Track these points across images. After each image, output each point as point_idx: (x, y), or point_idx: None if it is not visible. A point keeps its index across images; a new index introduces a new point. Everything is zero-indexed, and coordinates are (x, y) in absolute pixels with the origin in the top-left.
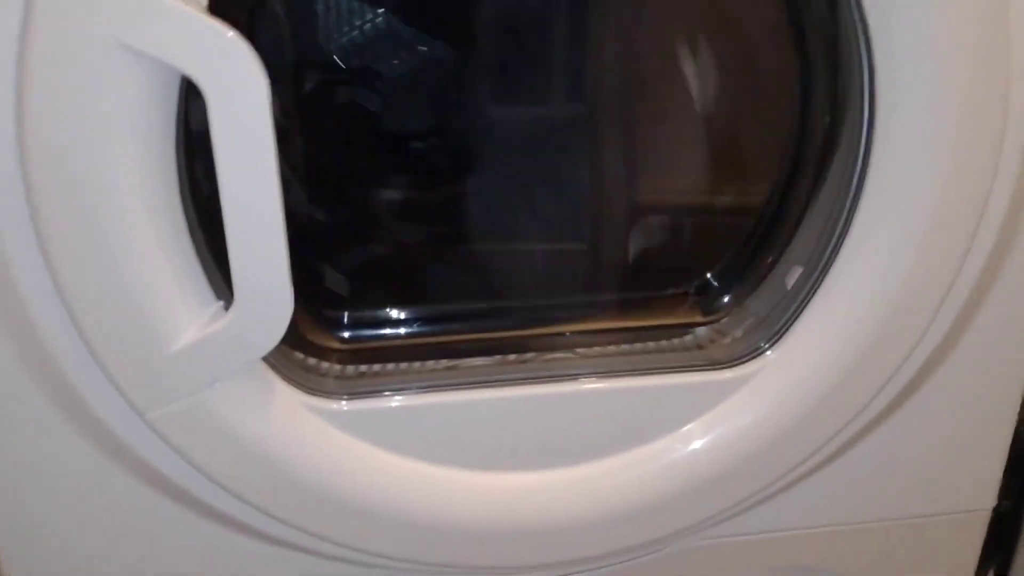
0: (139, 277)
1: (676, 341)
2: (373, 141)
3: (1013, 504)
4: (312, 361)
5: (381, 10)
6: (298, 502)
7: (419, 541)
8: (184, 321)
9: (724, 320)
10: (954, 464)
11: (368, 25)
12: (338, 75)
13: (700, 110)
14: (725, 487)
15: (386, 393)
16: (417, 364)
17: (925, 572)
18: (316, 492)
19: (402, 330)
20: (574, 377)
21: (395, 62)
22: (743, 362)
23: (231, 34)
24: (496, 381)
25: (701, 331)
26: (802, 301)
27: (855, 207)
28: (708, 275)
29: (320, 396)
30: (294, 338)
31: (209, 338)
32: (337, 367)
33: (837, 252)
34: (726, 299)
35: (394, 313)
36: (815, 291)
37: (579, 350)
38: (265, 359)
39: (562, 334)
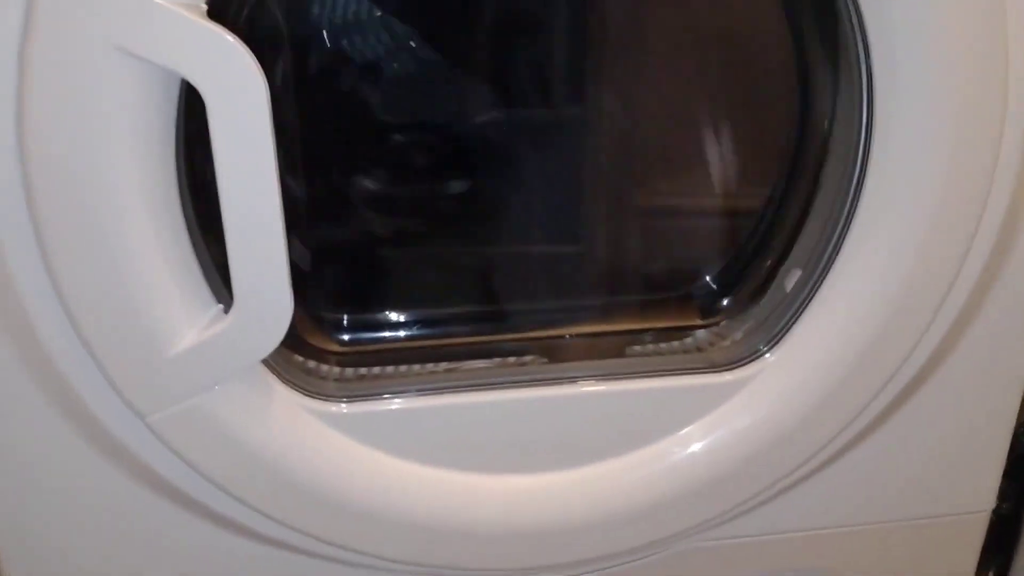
0: (139, 280)
1: (675, 344)
2: (372, 143)
3: (1013, 506)
4: (312, 364)
5: (379, 13)
6: (298, 504)
7: (418, 543)
8: (184, 324)
9: (723, 323)
10: (953, 466)
11: (368, 27)
12: (338, 75)
13: (699, 113)
14: (725, 489)
15: (385, 396)
16: (416, 367)
17: (925, 574)
18: (316, 494)
19: (401, 333)
20: (573, 380)
21: (394, 65)
22: (742, 365)
23: (230, 39)
24: (495, 384)
25: (700, 334)
26: (801, 304)
27: (854, 209)
28: (707, 278)
29: (320, 399)
30: (294, 341)
31: (209, 341)
32: (337, 370)
33: (836, 254)
34: (725, 302)
35: (393, 316)
36: (814, 294)
37: (578, 352)
38: (265, 362)
39: (562, 337)
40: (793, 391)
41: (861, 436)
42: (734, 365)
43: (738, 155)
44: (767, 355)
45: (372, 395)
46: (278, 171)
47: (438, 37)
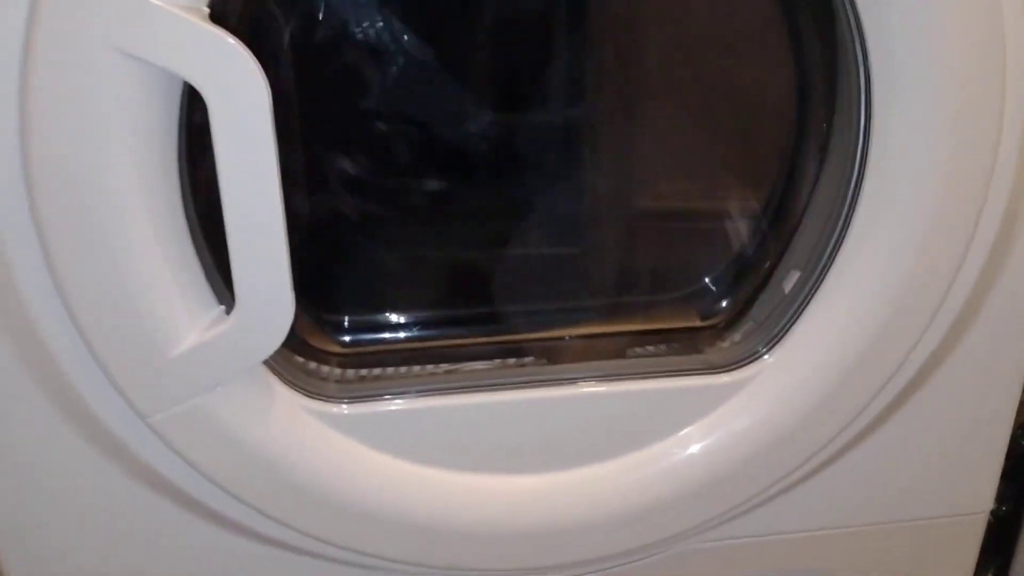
0: (141, 281)
1: (675, 345)
2: (375, 144)
3: (1012, 508)
4: (313, 365)
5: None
6: (299, 505)
7: (419, 544)
8: (186, 325)
9: (722, 324)
10: (952, 467)
11: (368, 29)
12: (341, 77)
13: (698, 114)
14: (724, 490)
15: (386, 397)
16: (417, 368)
17: (923, 575)
18: (316, 495)
19: (402, 334)
20: (573, 381)
21: (395, 67)
22: (741, 366)
23: (232, 42)
24: (496, 385)
25: (699, 335)
26: (800, 305)
27: (853, 210)
28: (706, 279)
29: (321, 400)
30: (295, 342)
31: (210, 342)
32: (338, 371)
33: (835, 256)
34: (724, 303)
35: (394, 317)
36: (813, 295)
37: (578, 354)
38: (266, 363)
39: (561, 338)
40: (792, 392)
41: (860, 437)
42: (733, 366)
43: (737, 156)
44: (766, 356)
45: (373, 396)
46: (279, 172)
47: (444, 39)
